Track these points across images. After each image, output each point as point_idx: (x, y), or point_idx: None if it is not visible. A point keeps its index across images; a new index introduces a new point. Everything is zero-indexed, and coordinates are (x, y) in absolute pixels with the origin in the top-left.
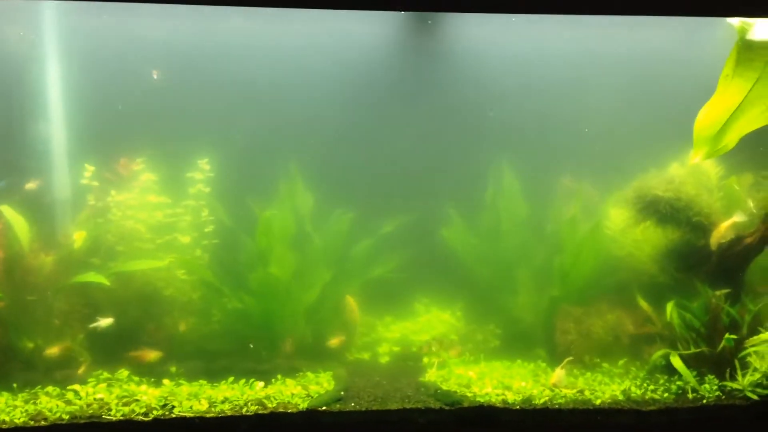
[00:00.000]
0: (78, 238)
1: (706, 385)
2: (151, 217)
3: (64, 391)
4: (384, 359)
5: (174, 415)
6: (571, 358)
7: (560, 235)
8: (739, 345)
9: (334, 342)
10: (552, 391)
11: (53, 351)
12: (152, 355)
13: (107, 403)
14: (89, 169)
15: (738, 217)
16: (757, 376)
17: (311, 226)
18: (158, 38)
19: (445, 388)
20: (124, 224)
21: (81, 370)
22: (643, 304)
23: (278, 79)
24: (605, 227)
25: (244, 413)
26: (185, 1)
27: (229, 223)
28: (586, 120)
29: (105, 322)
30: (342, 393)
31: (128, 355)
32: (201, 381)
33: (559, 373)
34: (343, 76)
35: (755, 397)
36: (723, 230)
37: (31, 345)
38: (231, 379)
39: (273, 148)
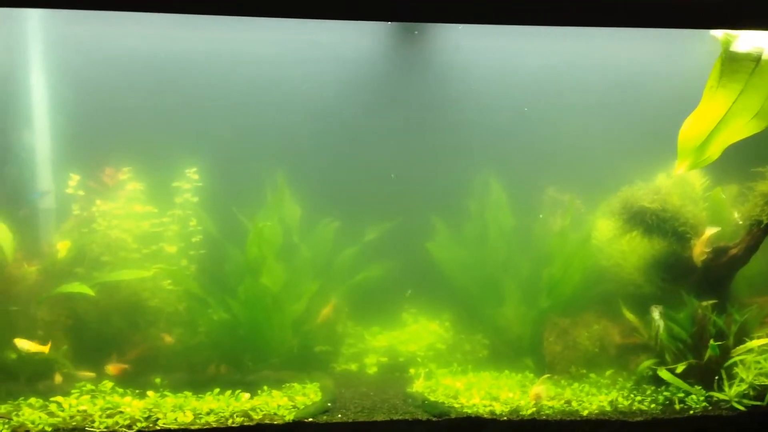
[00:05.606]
0: (62, 247)
1: (693, 396)
2: (137, 226)
3: (47, 403)
4: (371, 370)
5: (158, 427)
6: (547, 376)
7: (548, 246)
8: (725, 355)
9: None
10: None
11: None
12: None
13: (90, 415)
14: (74, 178)
15: (710, 231)
16: (744, 386)
17: (298, 236)
18: (144, 46)
19: (432, 399)
20: (109, 234)
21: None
22: (629, 315)
23: (264, 89)
24: (592, 238)
25: (229, 425)
26: (173, 11)
27: (216, 233)
28: (572, 131)
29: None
30: (329, 404)
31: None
32: (186, 393)
33: (537, 390)
34: (328, 85)
35: (742, 408)
36: (701, 245)
37: (14, 356)
38: (216, 390)
39: (259, 158)
